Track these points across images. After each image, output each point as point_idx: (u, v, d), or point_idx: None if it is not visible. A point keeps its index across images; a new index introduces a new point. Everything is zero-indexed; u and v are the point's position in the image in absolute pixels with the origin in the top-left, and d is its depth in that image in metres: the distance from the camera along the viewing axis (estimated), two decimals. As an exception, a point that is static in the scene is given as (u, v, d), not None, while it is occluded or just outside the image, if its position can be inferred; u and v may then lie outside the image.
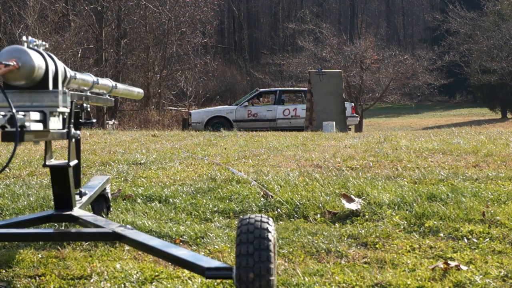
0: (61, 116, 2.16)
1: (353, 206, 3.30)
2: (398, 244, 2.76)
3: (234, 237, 2.85)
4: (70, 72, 2.29)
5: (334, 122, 13.20)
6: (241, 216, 2.55)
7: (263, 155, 5.75)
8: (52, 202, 2.88)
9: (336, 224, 3.12)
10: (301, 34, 32.42)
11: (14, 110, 1.78)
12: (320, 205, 3.37)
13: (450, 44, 32.43)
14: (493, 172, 4.32)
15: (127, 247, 2.72)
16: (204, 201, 3.56)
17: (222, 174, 4.45)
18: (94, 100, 2.76)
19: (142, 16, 25.47)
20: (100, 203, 3.21)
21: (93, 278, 2.39)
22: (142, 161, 5.24)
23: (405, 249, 2.70)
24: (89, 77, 2.61)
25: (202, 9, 27.13)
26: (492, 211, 3.15)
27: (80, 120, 2.60)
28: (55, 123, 2.08)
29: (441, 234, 2.88)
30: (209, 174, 4.46)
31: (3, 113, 1.79)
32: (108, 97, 2.96)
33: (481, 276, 2.32)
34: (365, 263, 2.54)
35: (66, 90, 2.15)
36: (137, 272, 2.44)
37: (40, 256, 2.66)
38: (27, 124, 1.85)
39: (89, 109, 2.62)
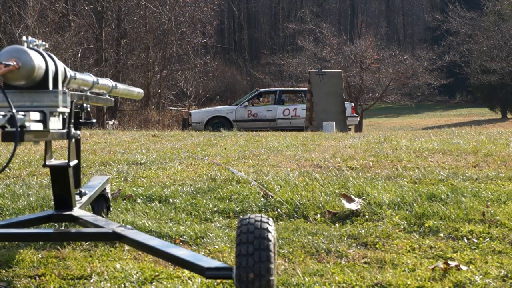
0: (61, 116, 2.16)
1: (353, 206, 3.30)
2: (398, 244, 2.76)
3: (234, 237, 2.85)
4: (70, 72, 2.29)
5: (334, 122, 13.20)
6: (241, 216, 2.55)
7: (263, 155, 5.75)
8: (52, 202, 2.88)
9: (336, 224, 3.12)
10: (301, 34, 32.41)
11: (14, 110, 1.78)
12: (320, 205, 3.37)
13: (450, 44, 32.44)
14: (493, 172, 4.32)
15: (127, 247, 2.72)
16: (204, 201, 3.56)
17: (222, 174, 4.45)
18: (94, 100, 2.76)
19: (142, 16, 25.47)
20: (100, 203, 3.21)
21: (93, 278, 2.39)
22: (142, 161, 5.24)
23: (405, 249, 2.70)
24: (89, 77, 2.61)
25: (202, 9, 27.13)
26: (492, 211, 3.15)
27: (80, 120, 2.60)
28: (55, 123, 2.08)
29: (441, 234, 2.88)
30: (209, 174, 4.46)
31: (3, 113, 1.79)
32: (108, 97, 2.96)
33: (481, 276, 2.32)
34: (365, 263, 2.54)
35: (66, 90, 2.15)
36: (137, 272, 2.44)
37: (40, 256, 2.66)
38: (27, 124, 1.85)
39: (89, 109, 2.62)
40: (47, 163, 2.36)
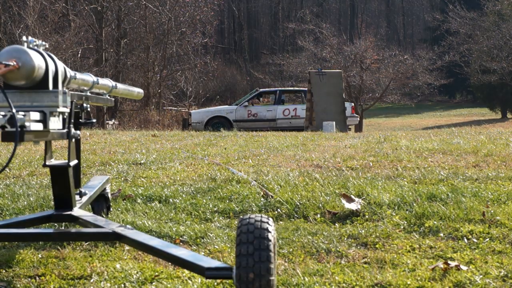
0: (61, 116, 2.16)
1: (353, 206, 3.30)
2: (398, 244, 2.76)
3: (234, 237, 2.85)
4: (70, 72, 2.29)
5: (334, 122, 13.20)
6: (241, 216, 2.55)
7: (263, 155, 5.75)
8: (52, 202, 2.88)
9: (336, 224, 3.12)
10: (301, 34, 32.41)
11: (14, 110, 1.78)
12: (320, 205, 3.37)
13: (450, 44, 32.43)
14: (493, 172, 4.32)
15: (127, 247, 2.72)
16: (204, 201, 3.56)
17: (222, 174, 4.45)
18: (94, 100, 2.76)
19: (142, 16, 25.47)
20: (100, 203, 3.21)
21: (93, 278, 2.39)
22: (142, 161, 5.24)
23: (405, 249, 2.70)
24: (89, 77, 2.61)
25: (202, 9, 27.13)
26: (492, 211, 3.15)
27: (80, 120, 2.60)
28: (55, 123, 2.08)
29: (441, 234, 2.88)
30: (209, 174, 4.46)
31: (3, 113, 1.79)
32: (108, 97, 2.96)
33: (481, 276, 2.32)
34: (365, 263, 2.54)
35: (66, 90, 2.15)
36: (137, 272, 2.44)
37: (40, 256, 2.66)
38: (27, 124, 1.85)
39: (89, 109, 2.62)
40: (47, 163, 2.36)
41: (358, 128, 22.20)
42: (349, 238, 2.86)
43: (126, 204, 3.51)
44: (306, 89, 15.81)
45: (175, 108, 26.69)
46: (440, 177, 4.17)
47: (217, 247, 2.76)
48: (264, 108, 17.29)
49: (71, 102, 2.24)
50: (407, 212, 3.21)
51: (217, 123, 16.54)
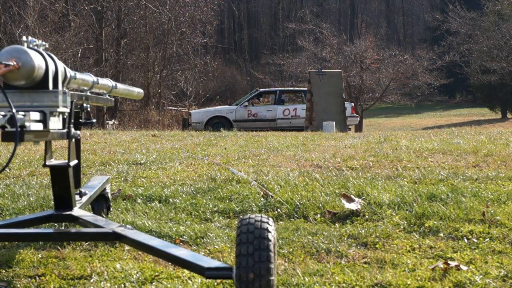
0: (61, 116, 2.16)
1: (353, 206, 3.30)
2: (398, 244, 2.76)
3: (234, 237, 2.85)
4: (70, 72, 2.29)
5: (334, 122, 13.20)
6: (241, 216, 2.55)
7: (263, 155, 5.75)
8: (52, 202, 2.88)
9: (336, 224, 3.12)
10: (301, 34, 32.41)
11: (14, 110, 1.78)
12: (320, 205, 3.37)
13: (450, 44, 32.43)
14: (493, 172, 4.32)
15: (127, 247, 2.72)
16: (204, 201, 3.56)
17: (222, 174, 4.45)
18: (94, 100, 2.76)
19: (142, 16, 25.47)
20: (100, 203, 3.21)
21: (93, 278, 2.39)
22: (142, 161, 5.24)
23: (405, 249, 2.70)
24: (89, 77, 2.61)
25: (202, 9, 27.13)
26: (492, 211, 3.15)
27: (80, 120, 2.60)
28: (55, 123, 2.08)
29: (441, 234, 2.89)
30: (209, 174, 4.46)
31: (3, 113, 1.79)
32: (108, 97, 2.96)
33: (481, 276, 2.32)
34: (365, 263, 2.54)
35: (66, 90, 2.15)
36: (137, 272, 2.44)
37: (40, 256, 2.66)
38: (27, 124, 1.85)
39: (89, 109, 2.62)
40: (47, 163, 2.36)
41: (358, 128, 22.20)
42: (349, 238, 2.86)
43: (126, 204, 3.51)
44: (306, 89, 15.81)
45: (175, 108, 26.69)
46: (440, 177, 4.17)
47: (217, 247, 2.76)
48: (264, 108, 17.29)
49: (71, 102, 2.24)
50: (407, 212, 3.21)
51: (217, 123, 16.54)
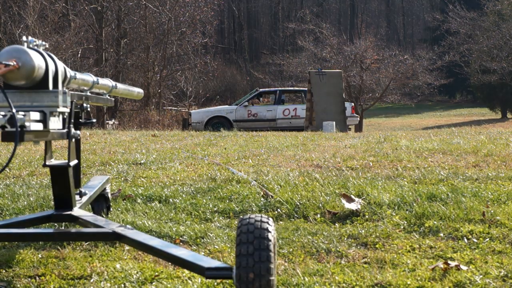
0: (61, 116, 2.16)
1: (353, 206, 3.30)
2: (398, 244, 2.76)
3: (234, 237, 2.85)
4: (70, 72, 2.29)
5: (334, 122, 13.20)
6: (241, 216, 2.55)
7: (263, 155, 5.75)
8: (52, 202, 2.88)
9: (336, 224, 3.12)
10: (301, 34, 32.40)
11: (14, 110, 1.78)
12: (320, 205, 3.37)
13: (450, 44, 32.42)
14: (493, 172, 4.32)
15: (127, 247, 2.72)
16: (204, 201, 3.56)
17: (222, 174, 4.45)
18: (94, 100, 2.76)
19: (142, 16, 25.47)
20: (100, 203, 3.21)
21: (93, 278, 2.39)
22: (142, 161, 5.24)
23: (405, 249, 2.70)
24: (89, 77, 2.61)
25: (202, 9, 27.13)
26: (492, 211, 3.15)
27: (80, 120, 2.60)
28: (55, 123, 2.08)
29: (441, 234, 2.89)
30: (209, 174, 4.46)
31: (3, 113, 1.79)
32: (108, 97, 2.96)
33: (481, 276, 2.32)
34: (365, 263, 2.54)
35: (66, 90, 2.15)
36: (137, 272, 2.44)
37: (40, 256, 2.66)
38: (27, 124, 1.85)
39: (89, 109, 2.62)
40: (47, 163, 2.36)
41: (358, 128, 22.20)
42: (349, 238, 2.86)
43: (126, 204, 3.51)
44: (306, 89, 15.81)
45: (175, 108, 26.68)
46: (440, 177, 4.17)
47: (217, 247, 2.76)
48: (264, 108, 17.29)
49: (71, 102, 2.24)
50: (407, 212, 3.21)
51: (217, 123, 16.54)
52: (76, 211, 2.51)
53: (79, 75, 2.42)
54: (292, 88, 22.65)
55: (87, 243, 2.80)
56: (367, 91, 27.66)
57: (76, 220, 2.48)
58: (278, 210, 3.37)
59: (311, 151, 6.07)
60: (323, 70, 15.93)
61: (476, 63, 30.43)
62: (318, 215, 3.25)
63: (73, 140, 2.31)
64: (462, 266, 2.41)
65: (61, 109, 2.07)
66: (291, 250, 2.71)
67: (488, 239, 2.78)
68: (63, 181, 2.44)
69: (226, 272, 1.88)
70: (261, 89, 18.99)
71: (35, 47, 2.06)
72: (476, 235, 2.84)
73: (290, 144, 6.95)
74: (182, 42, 26.89)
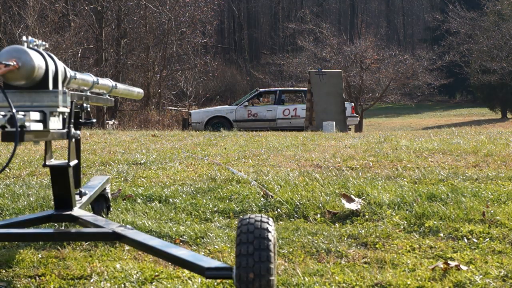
0: (61, 116, 2.16)
1: (353, 206, 3.30)
2: (398, 244, 2.76)
3: (234, 237, 2.85)
4: (70, 72, 2.29)
5: (334, 122, 13.20)
6: (241, 216, 2.55)
7: (263, 155, 5.75)
8: (52, 202, 2.88)
9: (336, 224, 3.12)
10: (301, 34, 32.40)
11: (14, 110, 1.78)
12: (320, 205, 3.37)
13: (450, 44, 32.42)
14: (493, 172, 4.32)
15: (127, 247, 2.72)
16: (204, 201, 3.56)
17: (222, 174, 4.45)
18: (94, 100, 2.76)
19: (142, 16, 25.47)
20: (100, 203, 3.21)
21: (93, 278, 2.39)
22: (142, 161, 5.24)
23: (405, 249, 2.70)
24: (89, 77, 2.61)
25: (202, 9, 27.13)
26: (492, 211, 3.15)
27: (80, 120, 2.60)
28: (55, 123, 2.08)
29: (441, 234, 2.89)
30: (209, 174, 4.46)
31: (3, 113, 1.79)
32: (108, 97, 2.96)
33: (481, 276, 2.32)
34: (365, 263, 2.54)
35: (66, 90, 2.15)
36: (137, 272, 2.44)
37: (40, 256, 2.66)
38: (27, 124, 1.85)
39: (89, 109, 2.62)
40: (47, 163, 2.36)
41: (358, 128, 22.20)
42: (349, 238, 2.86)
43: (126, 204, 3.51)
44: (306, 89, 15.81)
45: (175, 108, 26.68)
46: (440, 177, 4.17)
47: (217, 247, 2.76)
48: (264, 108, 17.29)
49: (71, 102, 2.24)
50: (407, 212, 3.21)
51: (217, 123, 16.54)
52: (76, 211, 2.51)
53: (79, 75, 2.42)
54: (292, 88, 22.65)
55: (87, 243, 2.80)
56: (367, 91, 27.66)
57: (76, 220, 2.48)
58: (278, 210, 3.37)
59: (311, 151, 6.07)
60: (323, 70, 15.93)
61: (476, 63, 30.43)
62: (318, 215, 3.25)
63: (73, 140, 2.31)
64: (462, 266, 2.41)
65: (61, 109, 2.07)
66: (291, 250, 2.71)
67: (488, 239, 2.78)
68: (63, 181, 2.44)
69: (226, 272, 1.88)
70: (261, 89, 18.99)
71: (35, 47, 2.06)
72: (476, 235, 2.84)
73: (290, 144, 6.95)
74: (182, 42, 26.89)
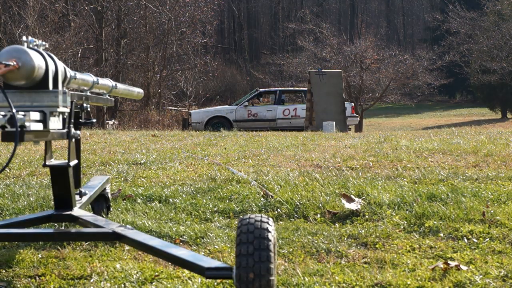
0: (61, 116, 2.16)
1: (353, 206, 3.30)
2: (398, 244, 2.76)
3: (234, 237, 2.85)
4: (70, 72, 2.29)
5: (334, 122, 13.20)
6: (241, 216, 2.55)
7: (263, 155, 5.75)
8: (52, 202, 2.88)
9: (336, 224, 3.12)
10: (301, 34, 32.40)
11: (14, 110, 1.78)
12: (320, 205, 3.37)
13: (450, 44, 32.42)
14: (493, 172, 4.32)
15: (127, 247, 2.72)
16: (204, 201, 3.56)
17: (222, 174, 4.45)
18: (94, 100, 2.76)
19: (142, 16, 25.47)
20: (100, 203, 3.21)
21: (93, 278, 2.39)
22: (142, 161, 5.24)
23: (405, 249, 2.70)
24: (89, 77, 2.61)
25: (202, 9, 27.13)
26: (492, 211, 3.15)
27: (80, 120, 2.60)
28: (55, 123, 2.08)
29: (441, 234, 2.89)
30: (209, 174, 4.46)
31: (3, 113, 1.79)
32: (108, 97, 2.96)
33: (481, 276, 2.32)
34: (365, 263, 2.54)
35: (66, 90, 2.15)
36: (137, 272, 2.44)
37: (40, 256, 2.66)
38: (27, 124, 1.85)
39: (89, 109, 2.62)
40: (47, 163, 2.36)
41: (358, 128, 22.20)
42: (349, 238, 2.86)
43: (126, 204, 3.51)
44: (306, 89, 15.81)
45: (175, 108, 26.69)
46: (440, 177, 4.17)
47: (217, 247, 2.76)
48: (264, 108, 17.29)
49: (71, 102, 2.24)
50: (407, 212, 3.21)
51: (217, 123, 16.54)
52: (76, 211, 2.51)
53: (79, 75, 2.42)
54: (292, 88, 22.65)
55: (87, 243, 2.80)
56: (367, 91, 27.66)
57: (76, 220, 2.48)
58: (278, 210, 3.37)
59: (311, 151, 6.07)
60: (323, 70, 15.93)
61: (476, 63, 30.44)
62: (318, 215, 3.25)
63: (73, 140, 2.31)
64: (462, 266, 2.41)
65: (61, 109, 2.07)
66: (291, 250, 2.71)
67: (488, 239, 2.78)
68: (63, 181, 2.44)
69: (226, 272, 1.88)
70: (261, 89, 18.99)
71: (35, 47, 2.06)
72: (476, 235, 2.84)
73: (290, 144, 6.95)
74: (182, 42, 26.89)
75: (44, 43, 2.10)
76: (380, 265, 2.50)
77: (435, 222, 3.02)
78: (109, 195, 3.28)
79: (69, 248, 2.76)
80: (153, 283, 2.33)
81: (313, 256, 2.63)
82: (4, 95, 1.83)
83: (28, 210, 3.44)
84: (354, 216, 3.22)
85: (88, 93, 2.64)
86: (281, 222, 3.18)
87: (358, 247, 2.75)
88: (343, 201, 3.39)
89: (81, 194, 2.77)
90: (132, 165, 5.07)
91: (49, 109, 2.02)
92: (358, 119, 19.55)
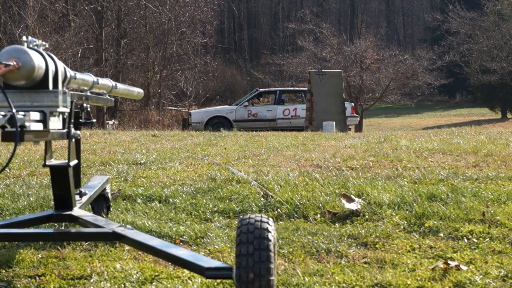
0: (61, 116, 2.16)
1: (353, 206, 3.30)
2: (398, 244, 2.76)
3: (234, 237, 2.85)
4: (70, 72, 2.29)
5: (334, 122, 13.20)
6: (241, 216, 2.55)
7: (263, 155, 5.75)
8: (52, 202, 2.88)
9: (336, 224, 3.12)
10: (301, 34, 32.40)
11: (14, 110, 1.78)
12: (320, 205, 3.37)
13: (450, 44, 32.42)
14: (493, 172, 4.32)
15: (127, 247, 2.72)
16: (204, 201, 3.56)
17: (222, 174, 4.45)
18: (94, 100, 2.76)
19: (142, 16, 25.48)
20: (100, 203, 3.21)
21: (93, 278, 2.39)
22: (142, 161, 5.24)
23: (405, 249, 2.70)
24: (89, 77, 2.61)
25: (202, 9, 27.13)
26: (492, 211, 3.15)
27: (80, 120, 2.60)
28: (55, 123, 2.08)
29: (441, 234, 2.89)
30: (209, 174, 4.46)
31: (3, 113, 1.79)
32: (108, 97, 2.96)
33: (481, 276, 2.32)
34: (365, 263, 2.54)
35: (66, 90, 2.15)
36: (137, 272, 2.44)
37: (40, 256, 2.66)
38: (27, 124, 1.85)
39: (89, 109, 2.62)
40: (47, 163, 2.36)
41: (358, 128, 22.20)
42: (349, 238, 2.86)
43: (126, 204, 3.51)
44: (306, 89, 15.81)
45: (175, 108, 26.69)
46: (440, 177, 4.17)
47: (217, 247, 2.76)
48: (264, 108, 17.29)
49: (71, 102, 2.24)
50: (407, 212, 3.21)
51: (217, 123, 16.54)
52: (76, 211, 2.51)
53: (79, 75, 2.42)
54: (292, 88, 22.65)
55: (87, 243, 2.80)
56: (367, 91, 27.66)
57: (76, 220, 2.48)
58: (278, 210, 3.37)
59: (311, 151, 6.07)
60: (323, 70, 15.94)
61: (476, 63, 30.44)
62: (318, 215, 3.25)
63: (73, 140, 2.31)
64: (462, 266, 2.41)
65: (61, 109, 2.07)
66: (291, 250, 2.71)
67: (488, 239, 2.78)
68: (63, 181, 2.44)
69: (226, 272, 1.88)
70: (261, 89, 18.99)
71: (35, 47, 2.06)
72: (476, 235, 2.84)
73: (290, 144, 6.95)
74: (182, 42, 26.90)
75: (44, 43, 2.10)
76: (380, 265, 2.50)
77: (435, 222, 3.02)
78: (109, 195, 3.28)
79: (69, 248, 2.76)
80: (153, 283, 2.33)
81: (313, 256, 2.63)
82: (4, 95, 1.83)
83: (28, 210, 3.44)
84: (354, 216, 3.22)
85: (88, 93, 2.64)
86: (281, 222, 3.18)
87: (358, 247, 2.75)
88: (343, 201, 3.39)
89: (81, 194, 2.77)
90: (132, 165, 5.07)
91: (49, 109, 2.02)
92: (358, 119, 19.55)
